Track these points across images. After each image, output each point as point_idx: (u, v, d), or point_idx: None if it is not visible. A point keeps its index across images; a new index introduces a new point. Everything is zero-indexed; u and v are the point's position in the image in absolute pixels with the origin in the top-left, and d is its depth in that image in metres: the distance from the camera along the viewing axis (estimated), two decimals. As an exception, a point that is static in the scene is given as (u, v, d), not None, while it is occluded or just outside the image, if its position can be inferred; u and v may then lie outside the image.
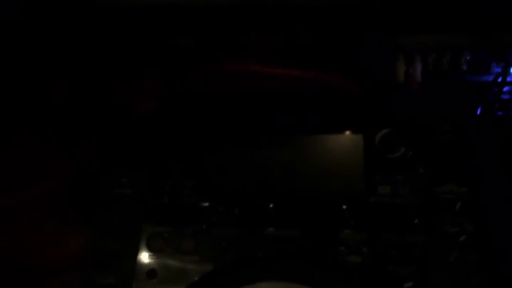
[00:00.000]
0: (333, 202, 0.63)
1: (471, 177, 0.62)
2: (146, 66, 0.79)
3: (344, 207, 0.62)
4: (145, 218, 0.63)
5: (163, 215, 0.64)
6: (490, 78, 0.75)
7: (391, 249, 0.59)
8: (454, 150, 0.64)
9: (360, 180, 0.64)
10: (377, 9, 0.65)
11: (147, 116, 0.71)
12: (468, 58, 0.76)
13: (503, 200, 0.60)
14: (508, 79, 0.75)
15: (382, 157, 0.64)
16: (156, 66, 0.80)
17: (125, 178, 0.66)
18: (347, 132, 0.66)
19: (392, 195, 0.62)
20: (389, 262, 0.58)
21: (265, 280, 0.58)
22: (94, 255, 0.62)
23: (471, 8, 0.64)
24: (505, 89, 0.75)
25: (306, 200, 0.63)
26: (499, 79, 0.72)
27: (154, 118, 0.70)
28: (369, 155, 0.64)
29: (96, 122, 0.75)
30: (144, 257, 0.61)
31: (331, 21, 0.69)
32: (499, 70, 0.74)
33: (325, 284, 0.57)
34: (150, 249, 0.62)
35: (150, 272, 0.60)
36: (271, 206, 0.63)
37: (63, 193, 0.72)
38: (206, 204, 0.64)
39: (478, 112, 0.72)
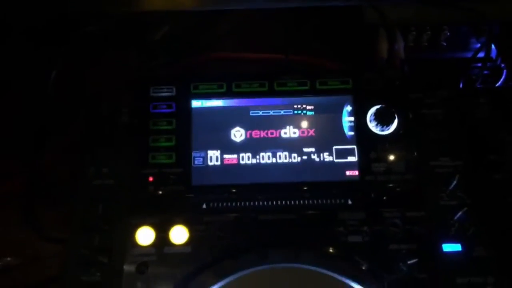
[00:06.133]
0: (329, 184, 0.61)
1: (464, 150, 0.61)
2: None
3: (340, 187, 0.60)
4: (131, 210, 0.59)
5: (150, 206, 0.59)
6: (469, 54, 0.76)
7: (391, 226, 0.57)
8: (444, 124, 0.63)
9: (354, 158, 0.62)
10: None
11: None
12: (447, 34, 0.76)
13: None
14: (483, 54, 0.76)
15: (374, 135, 0.63)
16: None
17: (106, 168, 0.60)
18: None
19: (387, 172, 0.61)
20: (390, 240, 0.57)
21: (262, 265, 0.55)
22: (77, 253, 0.56)
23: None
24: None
25: (302, 182, 0.61)
26: (481, 54, 0.72)
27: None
28: (362, 133, 0.63)
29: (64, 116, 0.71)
30: (133, 251, 0.57)
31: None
32: (478, 45, 0.75)
33: (326, 266, 0.55)
34: (138, 242, 0.57)
35: (140, 267, 0.56)
36: (269, 189, 0.60)
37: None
38: (198, 191, 0.60)
39: (461, 86, 0.72)
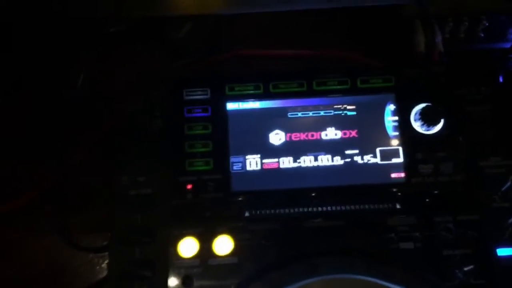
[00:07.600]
0: (375, 187, 0.58)
1: (516, 149, 0.59)
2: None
3: (387, 191, 0.58)
4: (171, 220, 0.56)
5: (190, 215, 0.57)
6: (507, 44, 0.73)
7: (444, 231, 0.55)
8: (492, 121, 0.61)
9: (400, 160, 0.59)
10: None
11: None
12: (486, 24, 0.72)
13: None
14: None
15: (419, 135, 0.60)
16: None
17: (142, 177, 0.58)
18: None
19: (435, 174, 0.58)
20: (444, 245, 0.55)
21: (313, 277, 0.53)
22: (118, 266, 0.54)
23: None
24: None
25: (347, 187, 0.58)
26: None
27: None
28: (406, 133, 0.60)
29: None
30: (176, 263, 0.54)
31: None
32: (516, 35, 0.72)
33: (379, 275, 0.52)
34: (181, 254, 0.55)
35: (185, 279, 0.54)
36: (312, 195, 0.57)
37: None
38: (239, 198, 0.58)
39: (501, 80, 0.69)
